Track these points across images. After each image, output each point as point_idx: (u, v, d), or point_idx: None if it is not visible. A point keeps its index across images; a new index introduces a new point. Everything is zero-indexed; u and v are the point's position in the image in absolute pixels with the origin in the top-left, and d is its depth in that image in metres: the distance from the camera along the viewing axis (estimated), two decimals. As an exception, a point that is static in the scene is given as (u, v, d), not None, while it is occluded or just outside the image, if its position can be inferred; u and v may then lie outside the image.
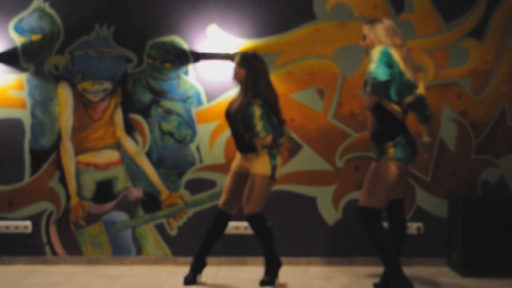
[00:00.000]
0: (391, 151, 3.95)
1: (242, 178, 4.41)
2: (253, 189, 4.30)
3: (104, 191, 5.10)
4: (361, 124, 5.00)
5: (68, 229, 5.10)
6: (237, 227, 5.05)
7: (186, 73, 5.08)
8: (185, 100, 5.07)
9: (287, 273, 4.82)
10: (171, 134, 5.08)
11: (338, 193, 5.09)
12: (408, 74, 3.95)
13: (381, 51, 3.92)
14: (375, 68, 3.88)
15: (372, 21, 4.10)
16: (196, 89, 5.07)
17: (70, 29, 5.07)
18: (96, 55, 5.07)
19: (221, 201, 4.45)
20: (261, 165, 4.28)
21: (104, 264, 5.08)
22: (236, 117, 4.28)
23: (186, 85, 5.08)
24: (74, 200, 5.10)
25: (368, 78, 3.91)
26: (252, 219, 4.34)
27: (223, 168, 5.02)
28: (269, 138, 4.23)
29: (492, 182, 5.09)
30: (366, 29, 4.07)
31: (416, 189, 5.09)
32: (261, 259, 5.06)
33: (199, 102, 5.08)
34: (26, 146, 5.09)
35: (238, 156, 4.46)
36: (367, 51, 4.07)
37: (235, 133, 4.38)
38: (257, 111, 4.21)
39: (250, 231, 5.07)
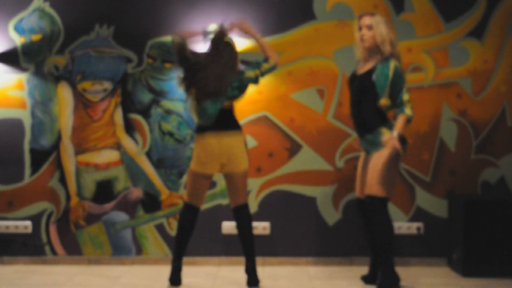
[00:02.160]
0: (385, 136, 4.11)
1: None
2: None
3: (104, 191, 5.10)
4: (361, 124, 5.01)
5: (68, 229, 5.10)
6: (237, 227, 5.05)
7: (186, 73, 5.07)
8: (185, 100, 5.07)
9: (287, 273, 4.83)
10: (171, 134, 5.08)
11: (338, 193, 5.09)
12: None
13: (398, 70, 4.04)
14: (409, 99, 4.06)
15: (375, 14, 4.16)
16: (196, 89, 5.06)
17: (70, 29, 5.07)
18: (96, 55, 5.07)
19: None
20: None
21: (104, 264, 5.08)
22: None
23: (186, 85, 5.07)
24: (74, 200, 5.10)
25: (407, 108, 4.03)
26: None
27: (223, 168, 5.02)
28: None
29: (492, 182, 5.10)
30: (371, 20, 4.10)
31: (416, 189, 5.09)
32: (261, 259, 5.06)
33: (199, 102, 5.08)
34: (26, 146, 5.09)
35: None
36: (369, 42, 4.11)
37: None
38: None
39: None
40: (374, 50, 4.15)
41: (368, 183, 4.14)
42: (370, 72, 4.12)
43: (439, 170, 5.09)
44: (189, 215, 4.36)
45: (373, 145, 4.14)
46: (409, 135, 5.05)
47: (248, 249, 4.33)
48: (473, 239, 4.71)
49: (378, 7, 5.07)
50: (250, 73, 4.29)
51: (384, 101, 4.08)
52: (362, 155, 4.38)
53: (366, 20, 4.11)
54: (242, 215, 4.34)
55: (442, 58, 5.07)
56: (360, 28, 4.17)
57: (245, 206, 4.36)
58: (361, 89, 4.13)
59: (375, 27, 4.08)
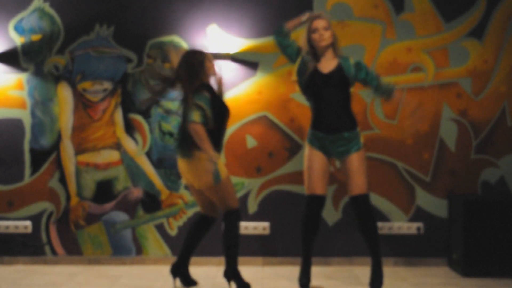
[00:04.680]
0: (362, 138, 4.29)
1: None
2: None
3: (104, 191, 5.10)
4: (360, 124, 5.00)
5: (68, 229, 5.10)
6: (237, 227, 5.05)
7: (186, 73, 5.07)
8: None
9: (287, 273, 4.83)
10: (171, 134, 5.08)
11: (338, 193, 5.08)
12: None
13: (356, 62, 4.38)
14: None
15: (325, 16, 4.33)
16: (196, 89, 5.06)
17: (70, 29, 5.07)
18: (96, 55, 5.07)
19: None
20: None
21: (104, 264, 5.08)
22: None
23: (186, 85, 5.07)
24: (74, 200, 5.10)
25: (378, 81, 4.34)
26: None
27: (223, 168, 5.02)
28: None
29: (492, 182, 5.09)
30: (327, 22, 4.28)
31: (416, 189, 5.09)
32: (260, 259, 5.06)
33: (199, 102, 5.08)
34: (26, 146, 5.09)
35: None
36: (327, 41, 4.24)
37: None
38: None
39: (249, 231, 5.09)
40: (325, 49, 4.28)
41: (359, 183, 4.22)
42: (339, 71, 4.25)
43: (439, 170, 5.09)
44: (200, 224, 4.39)
45: (352, 144, 4.22)
46: (409, 135, 5.06)
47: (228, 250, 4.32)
48: (473, 239, 4.71)
49: (378, 7, 5.06)
50: (202, 104, 4.12)
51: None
52: (317, 155, 4.27)
53: (323, 22, 4.26)
54: (227, 220, 4.25)
55: (442, 58, 5.07)
56: (314, 30, 4.26)
57: (231, 212, 4.24)
58: (339, 86, 4.25)
59: (330, 27, 4.27)
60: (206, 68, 4.18)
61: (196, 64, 4.15)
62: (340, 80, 4.24)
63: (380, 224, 4.90)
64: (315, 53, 4.29)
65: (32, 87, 5.08)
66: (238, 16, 5.06)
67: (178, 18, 5.07)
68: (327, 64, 4.29)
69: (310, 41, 4.28)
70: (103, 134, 5.10)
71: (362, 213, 4.23)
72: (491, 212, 4.72)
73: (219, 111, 4.18)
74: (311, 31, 4.27)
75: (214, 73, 4.25)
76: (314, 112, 4.31)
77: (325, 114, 4.26)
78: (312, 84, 4.27)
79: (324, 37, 4.24)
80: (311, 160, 4.29)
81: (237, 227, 4.25)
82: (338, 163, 4.34)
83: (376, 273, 4.27)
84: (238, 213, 4.26)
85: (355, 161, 4.22)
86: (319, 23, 4.26)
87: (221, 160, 4.33)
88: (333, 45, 4.29)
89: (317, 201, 4.28)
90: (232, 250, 4.25)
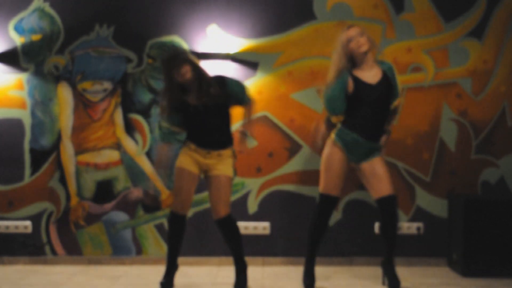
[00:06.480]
0: None
1: (197, 180, 4.32)
2: (227, 190, 4.23)
3: (104, 191, 5.11)
4: (361, 124, 5.01)
5: (68, 229, 5.11)
6: (237, 227, 5.05)
7: (186, 73, 5.07)
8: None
9: (287, 272, 4.83)
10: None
11: (338, 193, 5.08)
12: None
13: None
14: None
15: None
16: (196, 89, 5.06)
17: (70, 29, 5.07)
18: (96, 55, 5.07)
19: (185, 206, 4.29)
20: (227, 167, 4.23)
21: (104, 264, 5.08)
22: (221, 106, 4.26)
23: (186, 85, 5.07)
24: (74, 200, 5.10)
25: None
26: (229, 219, 4.25)
27: (223, 168, 5.01)
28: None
29: (492, 182, 5.10)
30: (359, 28, 4.23)
31: (416, 189, 5.10)
32: (261, 259, 5.06)
33: (199, 102, 5.08)
34: (26, 146, 5.09)
35: (192, 154, 4.27)
36: (367, 45, 4.18)
37: (209, 126, 4.23)
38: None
39: (249, 231, 5.08)
40: (363, 56, 4.21)
41: (388, 183, 4.23)
42: (385, 80, 4.24)
43: (439, 170, 5.10)
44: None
45: (377, 149, 4.28)
46: (409, 135, 5.06)
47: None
48: (473, 239, 4.71)
49: (378, 7, 5.07)
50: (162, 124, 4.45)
51: (399, 100, 4.31)
52: (339, 155, 4.28)
53: (356, 29, 4.20)
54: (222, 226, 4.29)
55: (442, 58, 5.07)
56: (350, 40, 4.18)
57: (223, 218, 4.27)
58: (385, 97, 4.24)
59: (365, 33, 4.21)
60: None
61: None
62: (388, 92, 4.23)
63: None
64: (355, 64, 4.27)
65: (32, 87, 5.08)
66: (238, 16, 5.06)
67: (178, 18, 5.07)
68: (371, 72, 4.25)
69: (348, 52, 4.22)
70: (103, 134, 5.10)
71: (389, 214, 4.22)
72: (491, 212, 4.72)
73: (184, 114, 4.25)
74: (347, 40, 4.18)
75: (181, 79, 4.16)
76: (355, 114, 4.25)
77: (370, 124, 4.23)
78: (360, 96, 4.22)
79: (362, 42, 4.17)
80: (333, 159, 4.29)
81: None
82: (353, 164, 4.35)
83: (391, 272, 4.28)
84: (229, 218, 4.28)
85: (381, 164, 4.25)
86: (354, 30, 4.20)
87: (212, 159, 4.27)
88: (373, 49, 4.25)
89: (330, 202, 4.32)
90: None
